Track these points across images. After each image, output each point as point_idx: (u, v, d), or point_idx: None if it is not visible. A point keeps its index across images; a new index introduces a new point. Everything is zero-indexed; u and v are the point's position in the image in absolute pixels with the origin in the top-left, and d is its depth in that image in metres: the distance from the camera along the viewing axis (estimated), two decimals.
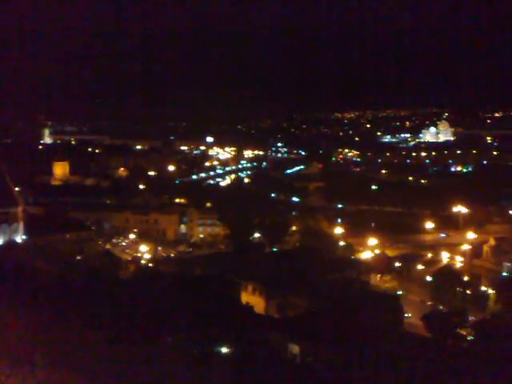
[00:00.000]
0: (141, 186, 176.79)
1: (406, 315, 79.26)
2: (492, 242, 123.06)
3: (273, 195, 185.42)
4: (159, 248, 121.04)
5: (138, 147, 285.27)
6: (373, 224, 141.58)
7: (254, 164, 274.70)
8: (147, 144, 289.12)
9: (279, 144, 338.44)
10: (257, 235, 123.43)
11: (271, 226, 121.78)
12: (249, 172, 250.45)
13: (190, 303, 63.25)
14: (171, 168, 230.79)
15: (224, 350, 56.78)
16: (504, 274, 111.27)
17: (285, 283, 76.97)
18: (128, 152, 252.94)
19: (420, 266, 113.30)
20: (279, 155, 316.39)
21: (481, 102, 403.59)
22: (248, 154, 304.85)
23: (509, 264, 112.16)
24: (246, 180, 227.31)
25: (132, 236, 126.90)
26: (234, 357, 55.81)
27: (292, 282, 76.97)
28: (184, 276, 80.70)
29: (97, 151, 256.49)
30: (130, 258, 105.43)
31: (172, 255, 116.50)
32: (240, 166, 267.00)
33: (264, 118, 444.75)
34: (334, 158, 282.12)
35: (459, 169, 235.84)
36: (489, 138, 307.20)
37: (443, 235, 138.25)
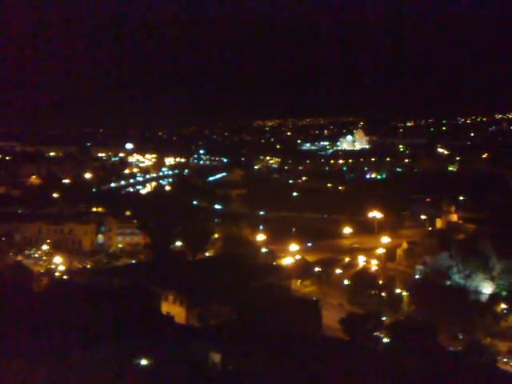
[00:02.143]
0: (55, 195, 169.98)
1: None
2: (405, 245, 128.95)
3: (195, 203, 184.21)
4: (75, 259, 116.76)
5: (52, 154, 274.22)
6: (294, 230, 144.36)
7: (176, 171, 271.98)
8: (61, 150, 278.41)
9: (201, 151, 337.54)
10: (178, 244, 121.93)
11: (193, 234, 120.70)
12: (170, 179, 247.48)
13: (107, 315, 61.28)
14: (88, 175, 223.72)
15: (144, 361, 55.51)
16: (416, 276, 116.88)
17: (206, 292, 76.41)
18: (40, 159, 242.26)
19: (338, 270, 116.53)
20: (201, 162, 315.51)
21: (393, 112, 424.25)
22: (169, 161, 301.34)
23: (421, 267, 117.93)
24: (168, 187, 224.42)
25: (45, 247, 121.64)
26: (155, 368, 54.70)
27: (214, 291, 76.58)
28: (101, 287, 78.13)
29: (7, 158, 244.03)
30: (43, 271, 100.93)
31: (88, 266, 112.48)
32: (161, 174, 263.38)
33: (186, 125, 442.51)
34: (255, 165, 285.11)
35: (374, 176, 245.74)
36: (401, 147, 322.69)
37: (358, 240, 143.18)
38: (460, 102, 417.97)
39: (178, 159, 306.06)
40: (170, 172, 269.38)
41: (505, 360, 73.27)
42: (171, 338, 59.40)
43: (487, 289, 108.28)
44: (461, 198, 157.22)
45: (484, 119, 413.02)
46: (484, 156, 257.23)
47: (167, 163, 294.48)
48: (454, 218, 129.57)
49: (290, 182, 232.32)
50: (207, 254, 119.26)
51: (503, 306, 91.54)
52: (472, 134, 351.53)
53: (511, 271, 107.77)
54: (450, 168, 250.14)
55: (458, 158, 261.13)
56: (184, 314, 75.10)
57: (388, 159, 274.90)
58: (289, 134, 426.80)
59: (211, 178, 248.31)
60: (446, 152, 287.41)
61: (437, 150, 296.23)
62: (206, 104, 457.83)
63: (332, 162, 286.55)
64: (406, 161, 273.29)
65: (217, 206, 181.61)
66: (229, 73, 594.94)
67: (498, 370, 60.71)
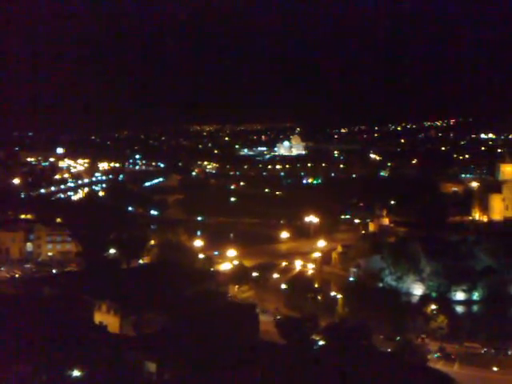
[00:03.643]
0: None
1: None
2: (340, 249, 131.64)
3: (130, 209, 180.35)
4: (2, 268, 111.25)
5: None
6: (231, 235, 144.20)
7: (110, 176, 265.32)
8: None
9: (137, 156, 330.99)
10: (112, 251, 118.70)
11: (127, 241, 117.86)
12: (104, 185, 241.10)
13: (37, 326, 58.81)
14: (16, 181, 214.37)
15: (76, 372, 53.55)
16: (351, 279, 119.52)
17: (141, 300, 74.73)
18: None
19: (275, 275, 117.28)
20: (137, 167, 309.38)
21: (329, 118, 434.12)
22: (103, 166, 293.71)
23: (355, 269, 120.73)
24: (101, 193, 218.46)
25: None
26: (87, 379, 52.88)
27: (149, 299, 75.01)
28: (31, 297, 74.87)
29: None
30: None
31: (17, 275, 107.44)
32: (94, 179, 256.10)
33: (120, 129, 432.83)
34: (193, 171, 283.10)
35: (310, 181, 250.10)
36: (336, 152, 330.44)
37: (295, 244, 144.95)
38: (391, 109, 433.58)
39: (112, 164, 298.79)
40: (104, 177, 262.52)
41: (436, 356, 76.20)
42: (104, 348, 57.69)
43: (418, 290, 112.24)
44: (392, 202, 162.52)
45: (413, 126, 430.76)
46: (413, 162, 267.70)
47: (101, 168, 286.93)
48: (386, 221, 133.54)
49: (228, 187, 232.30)
50: (142, 262, 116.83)
51: (433, 306, 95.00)
52: (402, 141, 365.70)
53: (440, 273, 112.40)
54: (382, 173, 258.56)
55: (389, 164, 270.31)
56: (118, 324, 73.09)
57: (323, 165, 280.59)
58: (227, 139, 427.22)
59: (147, 184, 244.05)
60: (378, 158, 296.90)
61: (369, 155, 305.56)
62: (141, 108, 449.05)
63: (269, 167, 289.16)
64: (341, 166, 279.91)
65: (153, 212, 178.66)
66: (164, 76, 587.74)
67: (429, 369, 62.81)
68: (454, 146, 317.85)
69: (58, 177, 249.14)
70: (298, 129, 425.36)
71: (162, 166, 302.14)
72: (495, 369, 74.33)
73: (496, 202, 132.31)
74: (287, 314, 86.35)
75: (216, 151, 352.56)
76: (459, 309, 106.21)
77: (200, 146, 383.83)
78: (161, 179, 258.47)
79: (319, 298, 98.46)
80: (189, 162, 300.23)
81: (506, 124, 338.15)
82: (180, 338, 58.40)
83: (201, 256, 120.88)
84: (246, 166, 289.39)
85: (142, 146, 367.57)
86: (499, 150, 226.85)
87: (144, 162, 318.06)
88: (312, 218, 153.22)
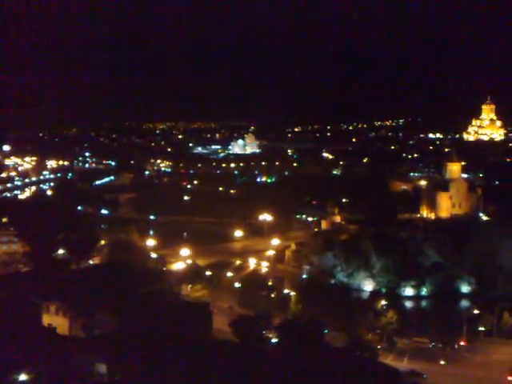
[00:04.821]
0: None
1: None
2: (293, 246, 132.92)
3: (80, 208, 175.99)
4: None
5: None
6: (185, 234, 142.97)
7: (59, 175, 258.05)
8: None
9: (87, 153, 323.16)
10: (61, 251, 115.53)
11: (77, 241, 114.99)
12: (52, 184, 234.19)
13: None
14: None
15: (23, 376, 52.02)
16: (304, 276, 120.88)
17: (91, 301, 73.10)
18: None
19: (229, 273, 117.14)
20: (87, 165, 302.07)
21: (283, 117, 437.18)
22: (51, 164, 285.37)
23: (308, 267, 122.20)
24: (50, 192, 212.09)
25: None
26: (36, 383, 51.43)
27: (99, 300, 73.45)
28: None
29: None
30: None
31: None
32: (42, 178, 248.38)
33: (69, 126, 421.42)
34: (145, 169, 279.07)
35: (264, 179, 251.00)
36: (290, 151, 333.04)
37: (249, 243, 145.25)
38: (343, 109, 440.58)
39: (60, 162, 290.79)
40: (52, 176, 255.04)
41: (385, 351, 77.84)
42: (53, 351, 56.17)
43: (368, 286, 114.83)
44: (344, 200, 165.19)
45: (364, 126, 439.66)
46: (365, 161, 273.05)
47: (49, 166, 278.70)
48: (338, 219, 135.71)
49: (182, 185, 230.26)
50: (93, 262, 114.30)
51: (383, 302, 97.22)
52: (354, 140, 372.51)
53: (390, 269, 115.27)
54: (335, 172, 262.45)
55: (341, 163, 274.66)
56: (67, 325, 71.41)
57: (277, 163, 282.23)
58: (180, 137, 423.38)
59: (98, 182, 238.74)
60: (330, 157, 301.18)
61: (322, 154, 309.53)
62: (91, 104, 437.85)
63: (223, 165, 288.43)
64: (295, 165, 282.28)
65: (104, 212, 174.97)
66: (115, 72, 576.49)
67: (379, 364, 64.14)
68: (403, 146, 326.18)
69: (3, 175, 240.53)
70: (253, 127, 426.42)
71: (113, 164, 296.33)
72: (442, 362, 76.78)
73: (443, 200, 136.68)
74: (241, 313, 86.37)
75: (169, 149, 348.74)
76: (408, 304, 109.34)
77: (153, 144, 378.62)
78: (112, 178, 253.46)
79: (273, 295, 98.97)
80: (141, 160, 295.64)
81: (453, 124, 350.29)
82: (131, 338, 57.44)
83: (153, 255, 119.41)
84: (199, 165, 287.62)
85: (92, 143, 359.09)
86: (446, 150, 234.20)
87: (94, 159, 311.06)
88: (266, 217, 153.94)
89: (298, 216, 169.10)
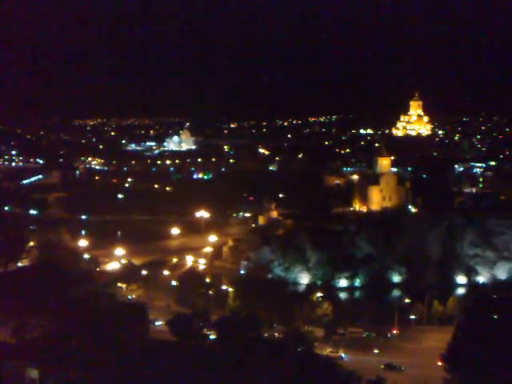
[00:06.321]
0: None
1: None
2: (230, 243, 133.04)
3: (6, 208, 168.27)
4: None
5: None
6: (119, 233, 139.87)
7: None
8: None
9: (13, 152, 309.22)
10: None
11: (4, 243, 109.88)
12: None
13: None
14: None
15: None
16: (241, 271, 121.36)
17: (21, 305, 70.10)
18: None
19: (166, 272, 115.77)
20: (13, 164, 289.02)
21: (218, 113, 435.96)
22: None
23: (245, 262, 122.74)
24: None
25: None
26: None
27: (29, 303, 70.59)
28: None
29: None
30: None
31: None
32: None
33: None
34: (76, 167, 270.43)
35: (201, 176, 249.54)
36: (226, 147, 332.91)
37: (186, 240, 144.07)
38: (278, 106, 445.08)
39: None
40: None
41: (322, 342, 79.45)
42: None
43: (304, 279, 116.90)
44: (280, 195, 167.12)
45: (299, 122, 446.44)
46: (300, 156, 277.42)
47: None
48: (275, 214, 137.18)
49: (115, 183, 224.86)
50: (21, 264, 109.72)
51: (319, 294, 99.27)
52: (289, 136, 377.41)
53: (325, 262, 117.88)
54: (271, 168, 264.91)
55: (277, 158, 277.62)
56: None
57: (214, 159, 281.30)
58: (112, 133, 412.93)
59: (25, 181, 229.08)
60: (266, 152, 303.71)
61: (258, 150, 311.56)
62: (16, 100, 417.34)
63: (159, 162, 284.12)
64: (231, 161, 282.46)
65: (32, 212, 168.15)
66: (43, 66, 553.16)
67: (315, 355, 65.32)
68: (336, 141, 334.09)
69: None
70: (188, 123, 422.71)
71: (41, 162, 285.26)
72: (376, 351, 79.34)
73: (374, 194, 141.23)
74: (178, 311, 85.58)
75: (101, 146, 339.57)
76: (342, 295, 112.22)
77: (83, 141, 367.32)
78: (40, 176, 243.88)
79: (210, 292, 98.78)
80: (71, 158, 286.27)
81: (383, 120, 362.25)
82: (64, 342, 55.58)
83: (86, 256, 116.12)
84: (133, 162, 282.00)
85: (18, 141, 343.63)
86: (376, 145, 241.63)
87: (21, 158, 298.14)
88: (203, 213, 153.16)
89: (235, 212, 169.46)
